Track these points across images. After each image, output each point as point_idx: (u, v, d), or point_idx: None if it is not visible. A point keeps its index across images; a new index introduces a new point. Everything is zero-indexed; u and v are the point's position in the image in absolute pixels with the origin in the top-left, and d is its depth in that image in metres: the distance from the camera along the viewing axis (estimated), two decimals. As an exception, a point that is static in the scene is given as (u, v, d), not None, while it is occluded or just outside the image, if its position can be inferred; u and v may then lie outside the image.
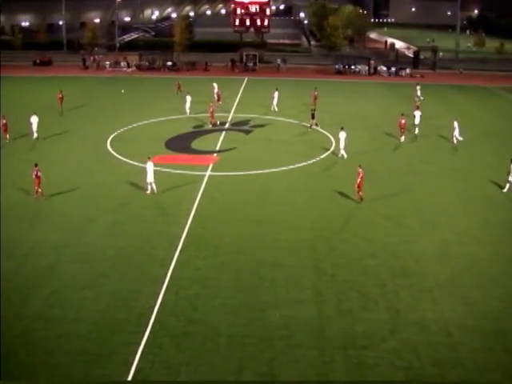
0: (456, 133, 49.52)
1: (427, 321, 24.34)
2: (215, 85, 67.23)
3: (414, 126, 53.10)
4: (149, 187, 37.92)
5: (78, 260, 29.25)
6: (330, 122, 57.20)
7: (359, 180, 36.08)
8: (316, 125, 54.84)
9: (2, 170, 41.42)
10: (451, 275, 28.17)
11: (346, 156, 45.48)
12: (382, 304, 25.55)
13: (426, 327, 23.92)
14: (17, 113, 57.03)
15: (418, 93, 68.20)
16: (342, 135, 45.36)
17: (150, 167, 37.57)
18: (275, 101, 63.02)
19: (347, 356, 22.04)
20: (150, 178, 37.62)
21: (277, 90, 64.26)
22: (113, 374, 20.92)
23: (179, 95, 67.99)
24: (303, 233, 32.47)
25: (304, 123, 56.59)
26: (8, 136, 49.94)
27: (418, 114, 53.32)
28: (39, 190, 37.13)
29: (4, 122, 49.92)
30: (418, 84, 71.71)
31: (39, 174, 36.93)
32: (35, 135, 50.73)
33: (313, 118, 54.61)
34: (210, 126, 55.97)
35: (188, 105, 60.46)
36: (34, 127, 50.70)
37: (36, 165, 37.02)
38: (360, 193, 36.46)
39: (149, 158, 38.29)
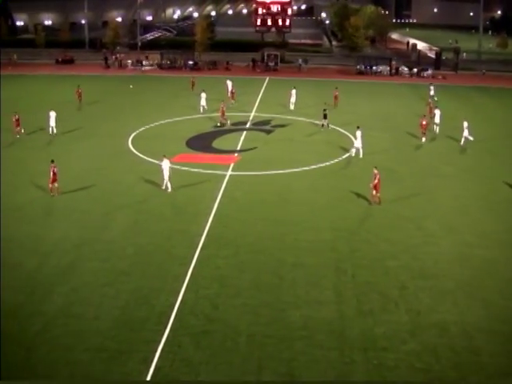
0: (466, 133, 49.25)
1: (447, 323, 24.16)
2: (229, 82, 67.23)
3: (435, 125, 52.97)
4: (164, 184, 38.28)
5: (98, 258, 29.40)
6: (352, 122, 56.99)
7: (376, 181, 35.68)
8: (327, 125, 55.17)
9: (20, 166, 41.77)
10: (471, 278, 27.96)
11: (361, 155, 45.79)
12: (403, 306, 25.41)
13: (446, 330, 23.74)
14: (37, 110, 57.55)
15: (432, 93, 67.89)
16: (359, 134, 45.91)
17: (165, 165, 37.97)
18: (293, 99, 63.18)
19: (367, 357, 21.93)
20: (166, 175, 38.00)
21: (294, 88, 64.31)
22: (132, 371, 20.95)
23: (196, 93, 67.75)
24: (324, 233, 32.40)
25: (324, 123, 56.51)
26: (22, 131, 50.49)
27: (438, 112, 53.19)
28: (55, 186, 37.28)
29: (16, 117, 50.42)
30: (431, 84, 71.37)
31: (55, 170, 36.99)
32: (54, 130, 51.68)
33: (325, 118, 54.86)
34: (218, 124, 55.94)
35: (203, 102, 60.57)
36: (52, 122, 51.71)
37: (52, 161, 37.22)
38: (377, 194, 36.00)
39: (164, 156, 38.63)
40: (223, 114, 56.10)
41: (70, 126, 54.61)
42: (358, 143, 45.99)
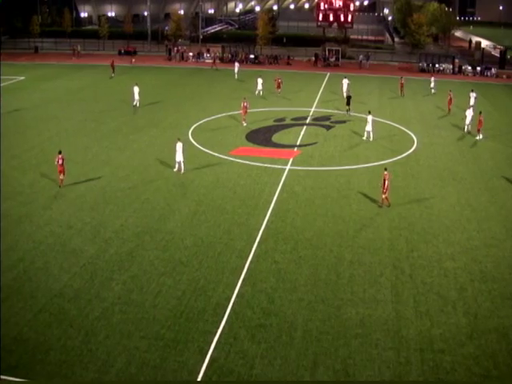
0: (467, 121, 51.64)
1: (507, 328, 23.66)
2: (260, 80, 67.32)
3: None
4: (176, 165, 40.41)
5: (158, 247, 29.75)
6: (413, 119, 56.53)
7: (387, 183, 34.49)
8: (348, 111, 58.79)
9: (82, 156, 42.55)
10: (534, 283, 27.37)
11: (372, 139, 48.84)
12: (461, 308, 25.00)
13: (506, 335, 23.25)
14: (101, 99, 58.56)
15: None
16: (370, 119, 49.03)
17: (179, 147, 39.91)
18: (345, 87, 65.32)
19: (423, 359, 21.67)
20: (179, 157, 40.02)
21: (345, 77, 67.60)
22: (188, 361, 21.15)
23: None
24: (383, 231, 32.11)
25: (386, 121, 56.08)
26: None
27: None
28: (61, 178, 36.97)
29: None
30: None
31: (60, 161, 36.59)
32: (137, 103, 59.03)
33: (348, 104, 58.47)
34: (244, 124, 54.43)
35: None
36: (136, 96, 58.87)
37: (60, 152, 37.08)
38: (385, 196, 34.97)
39: (178, 139, 40.63)
40: (245, 111, 54.53)
41: (133, 115, 55.46)
42: (368, 127, 49.08)
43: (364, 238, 31.17)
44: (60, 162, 36.49)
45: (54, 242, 30.09)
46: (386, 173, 34.73)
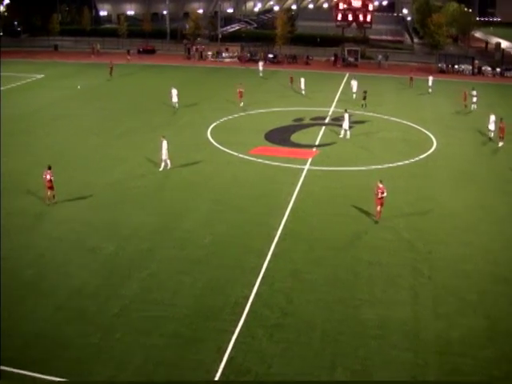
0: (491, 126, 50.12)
1: (528, 332, 23.53)
2: (303, 79, 69.37)
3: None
4: (162, 164, 40.47)
5: (176, 245, 29.80)
6: (429, 120, 56.33)
7: (380, 196, 32.30)
8: (364, 106, 61.22)
9: (102, 153, 42.73)
10: (555, 286, 27.10)
11: (348, 136, 49.51)
12: (480, 311, 24.78)
13: (527, 338, 23.12)
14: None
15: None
16: (346, 116, 49.90)
17: (164, 145, 40.04)
18: (354, 88, 66.31)
19: (442, 361, 21.52)
20: (165, 155, 40.19)
21: (354, 78, 68.93)
22: (205, 359, 21.15)
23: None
24: (402, 232, 31.92)
25: (405, 121, 55.92)
26: None
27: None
28: (50, 194, 34.21)
29: None
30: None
31: (49, 177, 33.73)
32: (175, 105, 58.38)
33: (364, 99, 61.37)
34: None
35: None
36: (175, 99, 58.14)
37: (49, 167, 34.24)
38: (379, 209, 32.79)
39: (163, 136, 40.52)
40: (240, 95, 61.02)
41: (152, 114, 55.65)
42: (345, 125, 49.76)
43: (382, 239, 31.01)
44: (48, 177, 33.74)
45: (74, 239, 30.27)
46: (381, 185, 32.43)
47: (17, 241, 29.88)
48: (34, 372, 20.21)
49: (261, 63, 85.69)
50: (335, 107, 62.20)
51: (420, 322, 23.89)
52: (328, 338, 22.62)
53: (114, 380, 20.20)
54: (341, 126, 50.44)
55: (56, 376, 20.07)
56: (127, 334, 22.55)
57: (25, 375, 20.04)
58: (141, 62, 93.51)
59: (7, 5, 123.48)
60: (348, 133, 49.77)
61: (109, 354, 21.41)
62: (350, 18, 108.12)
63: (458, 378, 20.69)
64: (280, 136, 50.56)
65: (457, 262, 28.94)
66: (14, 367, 20.40)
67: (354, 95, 65.36)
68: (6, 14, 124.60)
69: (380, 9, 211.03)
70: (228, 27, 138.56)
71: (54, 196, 34.35)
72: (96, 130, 51.29)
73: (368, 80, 76.65)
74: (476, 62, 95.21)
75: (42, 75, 79.70)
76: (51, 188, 34.02)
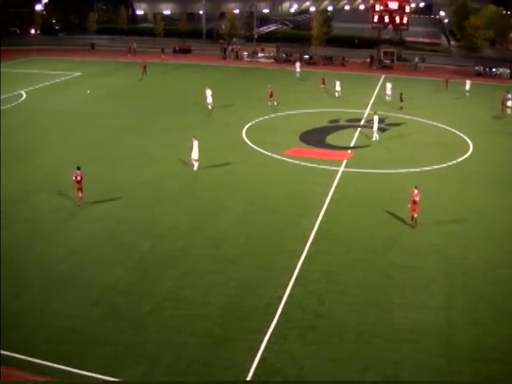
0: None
1: None
2: (338, 82, 68.18)
3: None
4: (195, 164, 40.45)
5: (210, 244, 29.93)
6: (465, 124, 55.75)
7: (415, 200, 32.07)
8: (401, 108, 61.12)
9: (138, 151, 42.99)
10: None
11: (377, 138, 49.32)
12: (516, 318, 24.57)
13: None
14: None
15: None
16: (376, 118, 49.62)
17: (195, 145, 39.92)
18: (388, 91, 65.93)
19: (475, 368, 21.34)
20: (195, 155, 40.07)
21: (389, 81, 68.94)
22: (238, 358, 21.26)
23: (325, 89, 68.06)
24: (436, 236, 31.68)
25: (441, 124, 55.45)
26: None
27: None
28: (80, 196, 33.92)
29: None
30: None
31: (79, 178, 33.64)
32: (209, 106, 58.06)
33: (401, 100, 61.63)
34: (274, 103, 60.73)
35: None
36: (210, 100, 57.87)
37: (78, 168, 34.29)
38: (414, 215, 32.57)
39: (194, 136, 40.31)
40: (270, 94, 61.25)
41: (186, 113, 55.92)
42: (375, 127, 49.61)
43: (416, 243, 30.81)
44: (78, 178, 33.70)
45: (108, 236, 30.58)
46: (416, 191, 32.31)
47: (51, 237, 30.37)
48: (68, 366, 20.49)
49: (298, 64, 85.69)
50: (371, 109, 61.78)
51: (453, 328, 23.70)
52: (361, 340, 22.57)
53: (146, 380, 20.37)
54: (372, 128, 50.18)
55: (89, 371, 20.31)
56: (159, 332, 22.74)
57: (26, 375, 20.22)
58: (176, 61, 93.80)
59: (45, 3, 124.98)
60: (376, 135, 49.65)
61: (141, 350, 21.62)
62: (387, 19, 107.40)
63: (492, 385, 20.52)
64: (315, 137, 50.43)
65: (491, 267, 28.62)
66: (48, 361, 20.73)
67: (388, 97, 65.11)
68: (44, 12, 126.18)
69: (417, 11, 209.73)
70: (264, 27, 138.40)
71: (81, 198, 33.91)
72: (131, 128, 51.62)
73: (404, 82, 76.03)
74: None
75: (79, 73, 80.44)
76: (80, 190, 33.73)
